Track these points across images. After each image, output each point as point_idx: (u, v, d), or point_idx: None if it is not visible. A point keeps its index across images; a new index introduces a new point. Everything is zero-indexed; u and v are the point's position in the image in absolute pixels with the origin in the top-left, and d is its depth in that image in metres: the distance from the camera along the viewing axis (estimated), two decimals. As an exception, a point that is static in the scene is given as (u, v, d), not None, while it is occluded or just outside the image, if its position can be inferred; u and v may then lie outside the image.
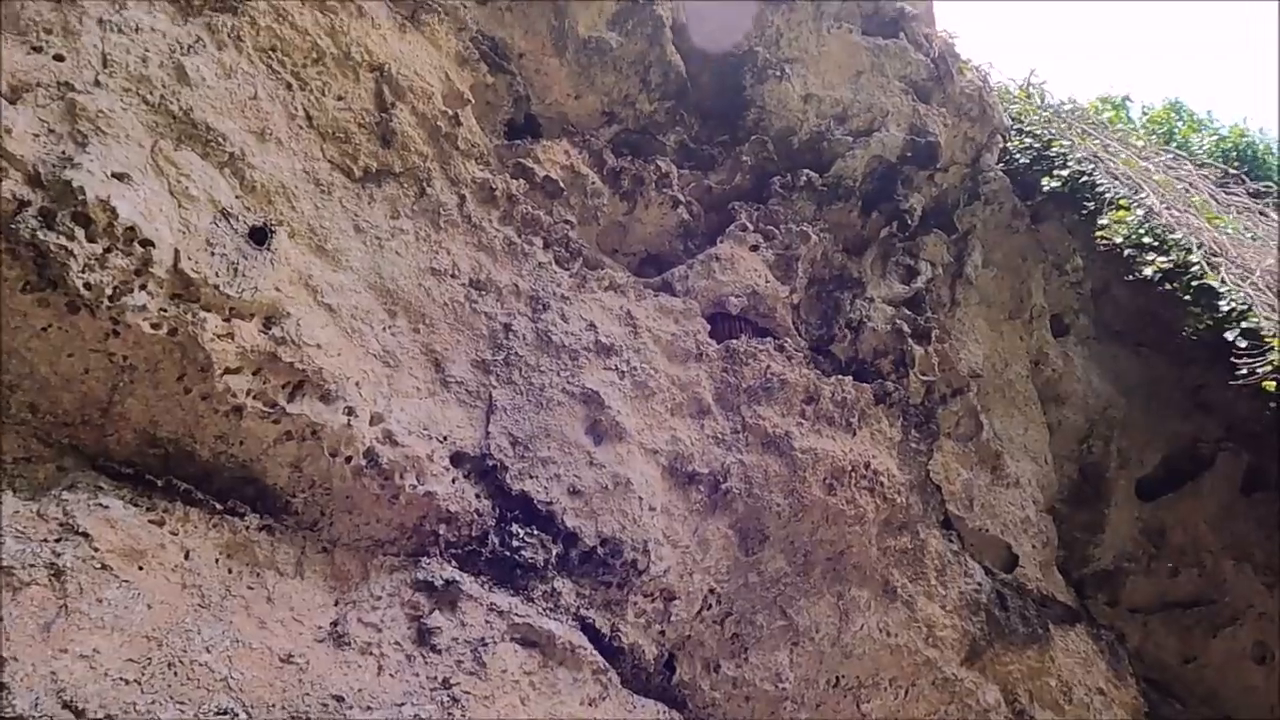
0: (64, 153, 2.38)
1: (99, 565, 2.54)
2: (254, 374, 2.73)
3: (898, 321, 4.23)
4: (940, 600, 4.17)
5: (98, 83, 2.46)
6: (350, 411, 2.87)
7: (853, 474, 3.84)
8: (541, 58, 3.55)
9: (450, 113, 3.17)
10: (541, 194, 3.49)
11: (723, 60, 3.93)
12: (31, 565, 2.43)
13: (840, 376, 3.97)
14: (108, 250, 2.45)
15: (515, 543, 3.19)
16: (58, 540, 2.52)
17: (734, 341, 3.75)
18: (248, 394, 2.74)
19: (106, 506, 2.61)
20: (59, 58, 2.42)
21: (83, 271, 2.42)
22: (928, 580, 4.12)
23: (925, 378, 4.21)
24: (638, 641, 3.50)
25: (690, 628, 3.62)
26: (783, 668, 3.79)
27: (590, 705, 3.30)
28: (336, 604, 2.93)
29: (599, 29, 3.62)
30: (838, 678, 3.94)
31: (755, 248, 3.91)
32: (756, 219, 3.96)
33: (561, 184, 3.51)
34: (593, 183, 3.61)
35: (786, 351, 3.86)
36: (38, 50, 2.40)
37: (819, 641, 3.85)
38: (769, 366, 3.76)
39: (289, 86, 2.81)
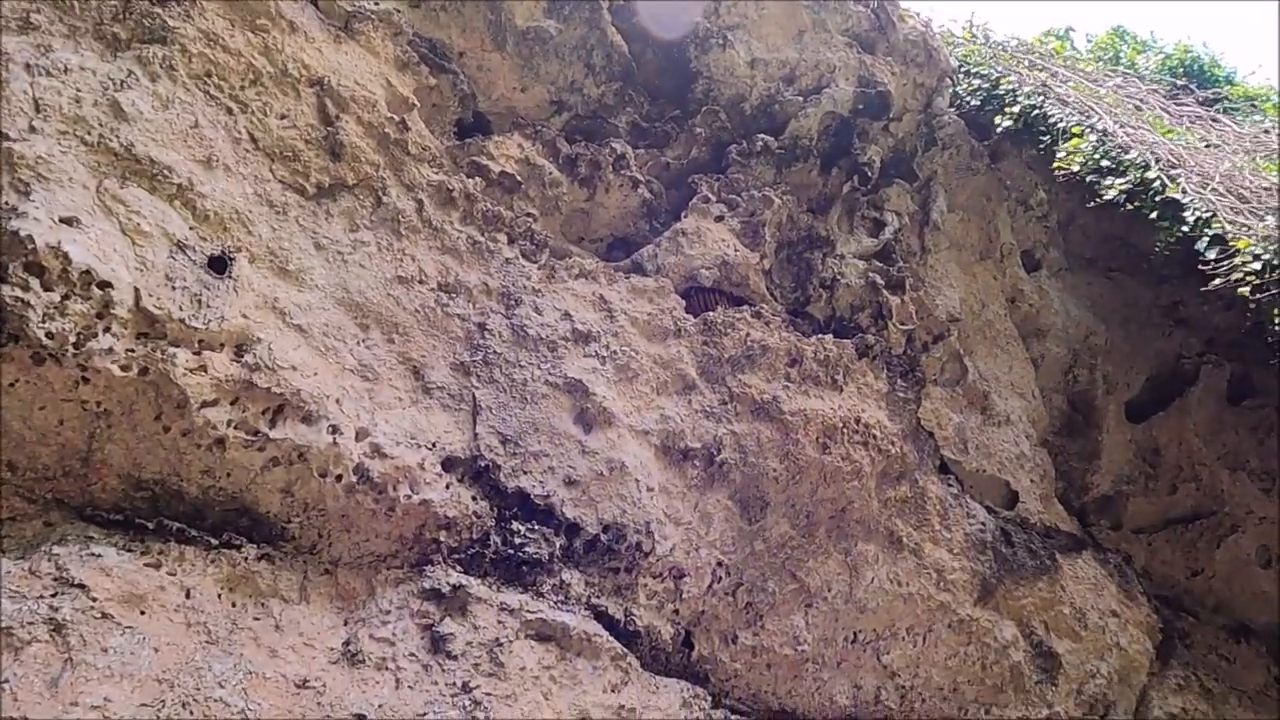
0: (7, 203, 2.33)
1: (99, 615, 2.51)
2: (232, 404, 2.70)
3: (870, 275, 4.24)
4: (946, 544, 4.19)
5: (32, 128, 2.41)
6: (335, 430, 2.84)
7: (844, 430, 3.85)
8: (482, 54, 3.52)
9: (397, 119, 3.13)
10: (500, 190, 3.47)
11: (668, 29, 3.91)
12: (30, 623, 2.40)
13: (821, 336, 3.98)
14: (65, 297, 2.41)
15: (518, 540, 3.18)
16: (54, 595, 2.48)
17: (711, 314, 3.74)
18: (228, 425, 2.71)
19: (99, 555, 2.58)
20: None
21: (43, 321, 2.38)
22: (932, 526, 4.15)
23: (904, 327, 4.23)
24: (653, 623, 3.50)
25: (703, 603, 3.63)
26: (799, 630, 3.81)
27: (613, 692, 3.30)
28: (346, 624, 2.91)
29: (536, 18, 3.59)
30: (855, 633, 3.96)
31: (720, 218, 3.90)
32: (718, 189, 3.95)
33: (518, 177, 3.49)
34: (550, 173, 3.59)
35: (764, 317, 3.86)
36: None
37: (832, 600, 3.87)
38: (748, 334, 3.76)
39: (229, 111, 2.77)
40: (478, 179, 3.40)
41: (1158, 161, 4.54)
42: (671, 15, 3.92)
